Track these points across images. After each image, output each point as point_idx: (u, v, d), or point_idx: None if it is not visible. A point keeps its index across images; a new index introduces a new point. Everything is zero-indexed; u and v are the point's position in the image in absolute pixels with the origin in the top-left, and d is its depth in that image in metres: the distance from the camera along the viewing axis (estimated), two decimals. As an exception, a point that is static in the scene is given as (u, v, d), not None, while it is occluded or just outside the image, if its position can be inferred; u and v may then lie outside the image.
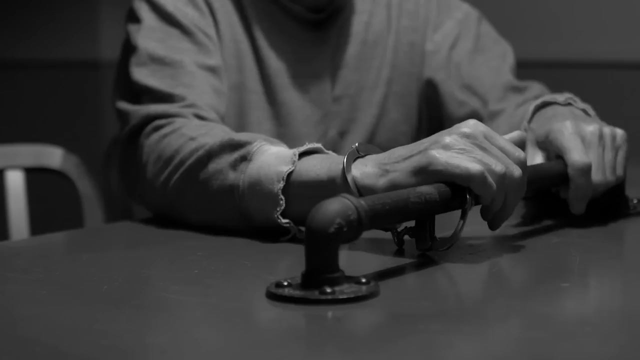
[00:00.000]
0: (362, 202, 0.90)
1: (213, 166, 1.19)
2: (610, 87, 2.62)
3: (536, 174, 1.18)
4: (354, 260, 1.00)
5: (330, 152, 1.17)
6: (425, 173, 1.04)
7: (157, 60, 1.39)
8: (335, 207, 0.88)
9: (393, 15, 1.59)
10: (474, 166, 1.02)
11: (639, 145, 1.99)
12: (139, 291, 0.97)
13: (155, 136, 1.29)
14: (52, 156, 1.80)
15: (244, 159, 1.17)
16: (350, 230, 0.88)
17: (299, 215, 1.13)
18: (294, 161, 1.13)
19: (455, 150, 1.04)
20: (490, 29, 1.64)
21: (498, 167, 1.03)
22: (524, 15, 2.70)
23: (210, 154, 1.20)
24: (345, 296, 0.87)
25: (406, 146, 1.09)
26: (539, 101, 1.35)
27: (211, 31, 1.45)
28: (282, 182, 1.13)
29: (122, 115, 1.38)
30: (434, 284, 0.99)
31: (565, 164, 1.21)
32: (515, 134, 1.11)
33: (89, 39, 3.25)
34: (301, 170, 1.13)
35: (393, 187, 1.05)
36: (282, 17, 1.51)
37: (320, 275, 0.88)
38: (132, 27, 1.44)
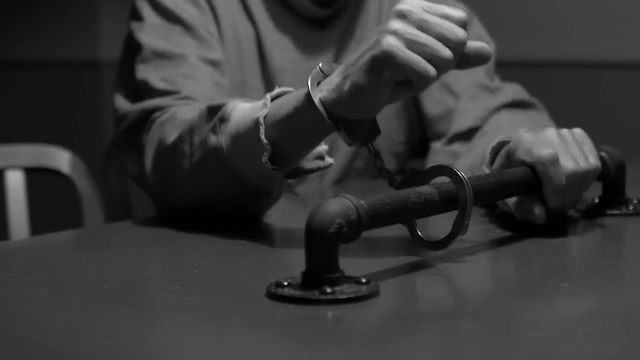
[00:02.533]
0: (362, 202, 0.90)
1: (197, 137, 1.19)
2: (609, 87, 2.62)
3: (502, 180, 1.14)
4: (354, 260, 1.00)
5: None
6: (383, 67, 1.03)
7: (160, 55, 1.40)
8: (335, 207, 0.88)
9: (384, 12, 1.60)
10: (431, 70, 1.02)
11: (639, 146, 1.99)
12: (139, 291, 0.97)
13: (153, 128, 1.29)
14: (52, 156, 1.80)
15: (222, 119, 1.16)
16: (350, 230, 0.88)
17: (286, 157, 1.13)
18: (266, 104, 1.12)
19: (406, 37, 1.02)
20: (479, 29, 1.64)
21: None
22: (522, 16, 2.70)
23: (192, 127, 1.20)
24: (345, 296, 0.87)
25: (361, 45, 1.08)
26: (494, 143, 1.28)
27: (212, 28, 1.47)
28: (261, 126, 1.11)
29: (120, 114, 1.38)
30: (434, 284, 0.99)
31: (530, 170, 1.16)
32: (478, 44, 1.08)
33: (89, 39, 3.25)
34: (274, 111, 1.12)
35: (355, 88, 1.04)
36: (287, 17, 1.52)
37: (320, 275, 0.88)
38: (134, 26, 1.46)
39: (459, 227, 1.02)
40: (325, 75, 1.10)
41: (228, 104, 1.17)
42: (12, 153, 1.80)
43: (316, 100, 1.07)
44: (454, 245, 1.09)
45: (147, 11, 1.45)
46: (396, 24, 1.03)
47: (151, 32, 1.43)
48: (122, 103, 1.40)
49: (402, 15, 1.04)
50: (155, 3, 1.45)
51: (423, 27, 1.03)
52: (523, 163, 1.16)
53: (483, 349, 0.76)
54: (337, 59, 1.55)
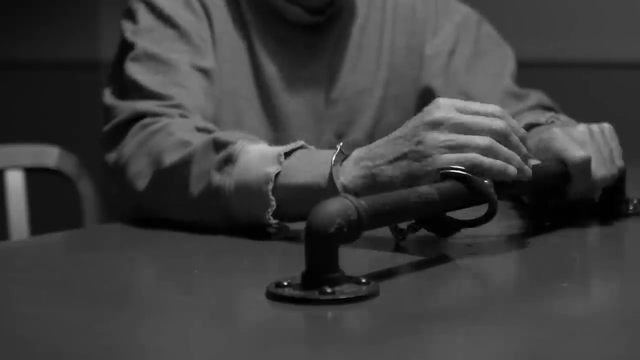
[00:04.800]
0: (362, 202, 0.90)
1: (197, 167, 1.20)
2: (609, 87, 2.62)
3: (535, 174, 1.18)
4: (354, 260, 1.00)
5: (312, 147, 1.18)
6: (423, 178, 1.07)
7: (152, 57, 1.40)
8: (335, 207, 0.88)
9: (388, 18, 1.59)
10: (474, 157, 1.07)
11: (639, 146, 1.99)
12: (138, 291, 0.97)
13: (143, 134, 1.29)
14: (52, 156, 1.79)
15: (229, 160, 1.17)
16: (350, 230, 0.88)
17: (288, 215, 1.15)
18: (281, 162, 1.14)
19: (446, 145, 1.07)
20: (491, 30, 1.63)
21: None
22: (526, 15, 2.70)
23: (193, 155, 1.21)
24: (345, 296, 0.87)
25: (386, 143, 1.11)
26: (522, 125, 1.34)
27: (206, 35, 1.46)
28: (270, 183, 1.14)
29: (108, 110, 1.38)
30: (433, 284, 0.99)
31: (562, 164, 1.21)
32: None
33: (89, 39, 3.25)
34: (288, 174, 1.15)
35: (388, 187, 1.08)
36: (280, 24, 1.51)
37: (320, 275, 0.88)
38: (128, 27, 1.45)
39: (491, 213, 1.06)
40: (345, 155, 1.14)
41: (237, 143, 1.18)
42: (12, 153, 1.80)
43: (339, 186, 1.12)
44: (454, 245, 1.09)
45: (142, 14, 1.45)
46: (434, 137, 1.08)
47: (144, 35, 1.43)
48: (111, 100, 1.40)
49: (436, 124, 1.08)
50: (151, 6, 1.45)
51: (460, 129, 1.09)
52: (556, 161, 1.22)
53: (483, 349, 0.76)
54: (331, 65, 1.54)
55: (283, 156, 1.15)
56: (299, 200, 1.13)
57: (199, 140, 1.22)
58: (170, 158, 1.23)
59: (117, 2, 3.18)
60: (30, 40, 3.36)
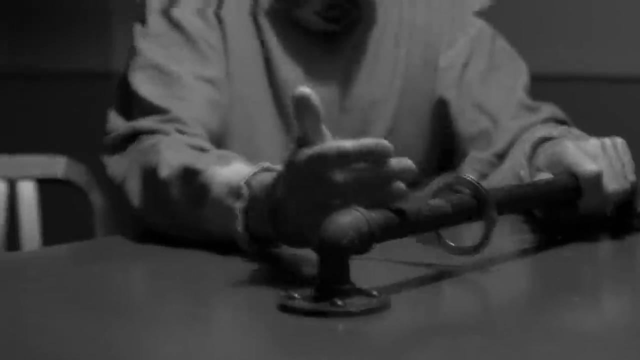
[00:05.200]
0: (374, 214, 0.90)
1: (175, 193, 1.20)
2: (625, 101, 2.62)
3: (547, 188, 1.18)
4: (365, 273, 1.00)
5: (276, 168, 1.12)
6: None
7: (154, 67, 1.41)
8: (347, 219, 0.88)
9: (404, 29, 1.58)
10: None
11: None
12: (149, 302, 0.97)
13: (136, 152, 1.31)
14: (64, 167, 1.80)
15: (200, 192, 1.16)
16: (362, 243, 0.88)
17: (266, 239, 1.12)
18: (242, 194, 1.11)
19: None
20: (505, 45, 1.63)
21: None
22: (539, 29, 2.70)
23: (170, 181, 1.20)
24: (356, 309, 0.87)
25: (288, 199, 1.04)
26: (535, 138, 1.35)
27: (216, 42, 1.46)
28: (236, 220, 1.11)
29: (109, 123, 1.40)
30: (444, 298, 0.99)
31: (574, 177, 1.20)
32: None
33: (101, 51, 3.26)
34: (252, 204, 1.11)
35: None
36: (296, 30, 1.52)
37: (331, 287, 0.87)
38: (137, 29, 1.47)
39: (485, 238, 1.04)
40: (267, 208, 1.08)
41: (207, 171, 1.16)
42: (24, 163, 1.80)
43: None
44: (466, 258, 1.09)
45: (153, 16, 1.46)
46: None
47: (152, 40, 1.44)
48: (113, 114, 1.42)
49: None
50: (163, 10, 1.46)
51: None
52: (567, 174, 1.21)
53: (494, 363, 0.76)
54: (346, 74, 1.54)
55: (245, 187, 1.11)
56: (266, 238, 1.11)
57: (178, 162, 1.21)
58: (155, 179, 1.23)
59: (130, 15, 3.19)
60: (44, 50, 3.37)
